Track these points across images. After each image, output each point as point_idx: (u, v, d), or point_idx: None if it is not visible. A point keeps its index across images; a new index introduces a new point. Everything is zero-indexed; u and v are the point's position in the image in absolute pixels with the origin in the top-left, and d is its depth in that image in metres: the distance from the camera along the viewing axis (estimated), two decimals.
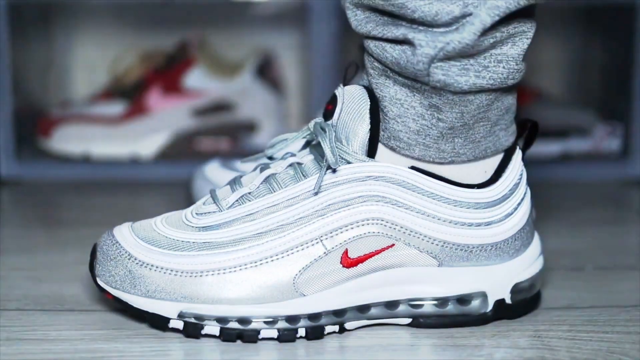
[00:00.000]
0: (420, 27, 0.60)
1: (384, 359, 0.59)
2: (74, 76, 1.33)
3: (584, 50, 1.34)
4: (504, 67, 0.61)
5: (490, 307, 0.64)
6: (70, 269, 0.76)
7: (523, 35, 0.62)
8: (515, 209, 0.64)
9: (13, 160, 1.13)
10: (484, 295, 0.64)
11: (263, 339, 0.61)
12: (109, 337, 0.61)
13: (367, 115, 0.62)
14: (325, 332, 0.62)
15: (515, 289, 0.65)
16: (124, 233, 0.63)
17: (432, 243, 0.62)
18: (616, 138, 1.20)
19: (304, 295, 0.61)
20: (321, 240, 0.61)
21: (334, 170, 0.62)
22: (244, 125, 1.19)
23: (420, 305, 0.63)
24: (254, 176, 0.65)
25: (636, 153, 1.16)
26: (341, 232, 0.61)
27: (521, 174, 0.65)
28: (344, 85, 0.64)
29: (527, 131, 0.66)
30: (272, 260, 0.61)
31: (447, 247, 0.63)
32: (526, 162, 0.68)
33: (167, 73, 1.20)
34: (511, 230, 0.64)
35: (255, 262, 0.61)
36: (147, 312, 0.61)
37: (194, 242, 0.62)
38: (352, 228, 0.61)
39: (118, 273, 0.61)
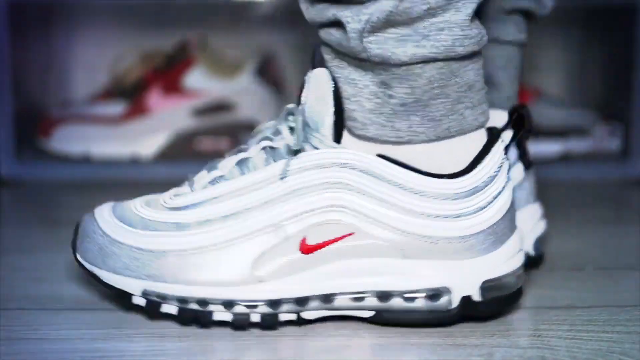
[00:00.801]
0: (346, 5, 0.60)
1: (384, 358, 0.59)
2: (74, 76, 1.33)
3: (584, 50, 1.34)
4: (447, 35, 0.59)
5: (455, 303, 0.62)
6: (70, 269, 0.76)
7: (465, 0, 0.60)
8: (490, 202, 0.62)
9: (13, 160, 1.13)
10: (448, 291, 0.61)
11: (218, 322, 0.61)
12: (108, 336, 0.61)
13: (331, 98, 0.62)
14: (281, 320, 0.62)
15: (486, 286, 0.62)
16: (103, 212, 0.66)
17: (396, 233, 0.61)
18: (616, 138, 1.20)
19: (263, 281, 0.61)
20: (282, 226, 0.61)
21: (298, 155, 0.61)
22: (244, 125, 1.19)
23: (387, 299, 0.62)
24: (230, 160, 0.65)
25: (636, 153, 1.16)
26: (302, 219, 0.61)
27: (500, 166, 0.62)
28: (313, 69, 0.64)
29: (513, 118, 0.64)
30: (232, 244, 0.61)
31: (411, 238, 0.61)
32: (522, 157, 0.69)
33: (167, 73, 1.20)
34: (483, 225, 0.61)
35: (217, 245, 0.61)
36: (113, 288, 0.63)
37: (163, 223, 0.63)
38: (313, 215, 0.61)
39: (91, 249, 0.64)
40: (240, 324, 0.61)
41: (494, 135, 0.63)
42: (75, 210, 1.00)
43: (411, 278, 0.61)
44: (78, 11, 1.32)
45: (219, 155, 0.69)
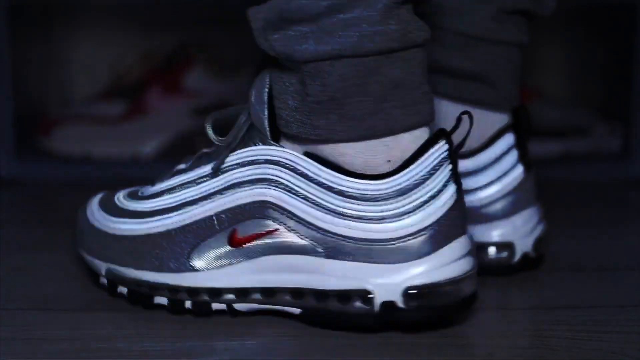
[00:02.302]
0: (253, 5, 0.61)
1: (384, 358, 0.59)
2: (74, 76, 1.33)
3: (584, 50, 1.34)
4: (353, 31, 0.58)
5: (377, 308, 0.60)
6: (70, 269, 0.76)
7: None
8: (419, 206, 0.59)
9: (13, 160, 1.13)
10: (367, 294, 0.60)
11: (157, 305, 0.65)
12: (109, 337, 0.61)
13: (265, 97, 0.63)
14: (214, 309, 0.64)
15: (410, 294, 0.59)
16: (93, 200, 0.71)
17: (319, 232, 0.61)
18: (616, 138, 1.20)
19: (197, 270, 0.63)
20: (215, 219, 0.63)
21: (235, 151, 0.64)
22: None
23: (301, 297, 0.62)
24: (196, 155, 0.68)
25: (636, 153, 1.16)
26: (234, 212, 0.63)
27: (435, 170, 0.60)
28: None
29: (458, 123, 0.61)
30: (172, 234, 0.64)
31: (334, 238, 0.60)
32: (523, 158, 0.69)
33: (167, 73, 1.20)
34: (409, 229, 0.59)
35: (160, 234, 0.65)
36: (88, 267, 0.69)
37: (128, 211, 0.67)
38: (243, 209, 0.63)
39: (78, 231, 0.70)
40: (176, 309, 0.64)
41: (433, 136, 0.61)
42: (75, 211, 1.00)
43: (331, 278, 0.61)
44: (78, 11, 1.32)
45: None
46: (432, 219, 0.60)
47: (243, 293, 0.63)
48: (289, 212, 0.61)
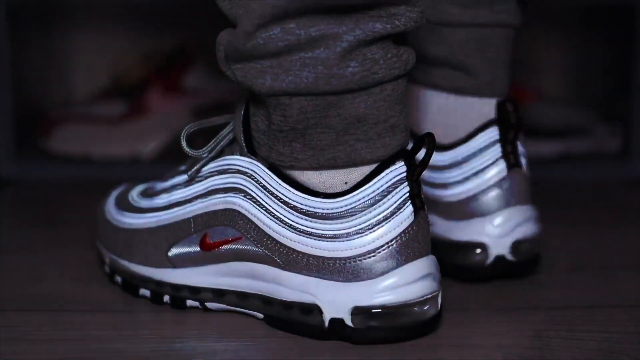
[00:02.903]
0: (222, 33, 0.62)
1: (384, 358, 0.59)
2: (74, 76, 1.33)
3: (584, 50, 1.34)
4: (309, 72, 0.58)
5: (326, 323, 0.60)
6: (70, 268, 0.76)
7: (337, 39, 0.57)
8: (371, 227, 0.59)
9: (13, 160, 1.13)
10: (318, 309, 0.60)
11: (142, 296, 0.68)
12: (109, 337, 0.61)
13: (242, 115, 0.64)
14: (188, 306, 0.67)
15: (358, 313, 0.59)
16: (114, 191, 0.75)
17: (276, 244, 0.62)
18: (616, 138, 1.20)
19: (175, 267, 0.67)
20: (192, 221, 0.66)
21: (214, 160, 0.66)
22: None
23: (270, 304, 0.63)
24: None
25: (636, 153, 1.16)
26: (208, 217, 0.65)
27: (389, 191, 0.60)
28: None
29: (418, 143, 0.61)
30: (158, 231, 0.67)
31: (288, 251, 0.61)
32: (505, 155, 0.69)
33: (167, 73, 1.20)
34: (359, 249, 0.59)
35: (148, 230, 0.68)
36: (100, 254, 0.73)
37: (133, 206, 0.71)
38: (216, 214, 0.65)
39: (97, 218, 0.74)
40: (155, 301, 0.68)
41: (390, 158, 0.60)
42: (75, 210, 1.00)
43: (288, 289, 0.62)
44: (78, 11, 1.32)
45: None
46: (383, 240, 0.60)
47: (219, 294, 0.65)
48: (252, 222, 0.63)
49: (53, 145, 1.17)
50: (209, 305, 0.66)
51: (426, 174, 0.72)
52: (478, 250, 0.71)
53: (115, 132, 1.17)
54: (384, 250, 0.59)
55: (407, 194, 0.60)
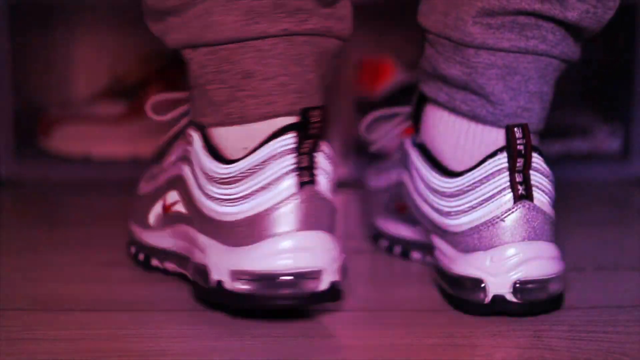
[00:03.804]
0: None
1: (384, 358, 0.59)
2: (74, 76, 1.33)
3: (584, 50, 1.34)
4: (199, 22, 0.62)
5: (211, 284, 0.62)
6: (70, 269, 0.76)
7: None
8: (249, 195, 0.61)
9: (13, 160, 1.13)
10: (208, 271, 0.62)
11: (138, 261, 0.75)
12: (109, 337, 0.61)
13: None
14: (151, 265, 0.73)
15: (235, 277, 0.61)
16: None
17: (195, 209, 0.65)
18: (616, 138, 1.20)
19: (151, 228, 0.73)
20: (163, 186, 0.71)
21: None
22: None
23: (188, 267, 0.67)
24: None
25: (636, 153, 1.16)
26: (168, 182, 0.70)
27: (270, 161, 0.61)
28: None
29: (305, 115, 0.61)
30: (148, 195, 0.74)
31: (197, 214, 0.65)
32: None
33: (167, 73, 1.20)
34: (239, 215, 0.61)
35: (145, 194, 0.75)
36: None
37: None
38: (172, 180, 0.69)
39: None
40: (136, 262, 0.75)
41: (281, 129, 0.61)
42: (75, 210, 1.01)
43: (198, 252, 0.65)
44: (78, 11, 1.32)
45: None
46: (256, 210, 0.61)
47: (167, 255, 0.71)
48: (186, 186, 0.66)
49: (53, 145, 1.17)
50: (166, 265, 0.72)
51: (434, 200, 0.69)
52: (477, 287, 0.65)
53: (116, 132, 1.17)
54: (261, 217, 0.61)
55: (293, 166, 0.61)
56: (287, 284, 0.60)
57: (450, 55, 0.69)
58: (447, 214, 0.68)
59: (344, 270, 0.64)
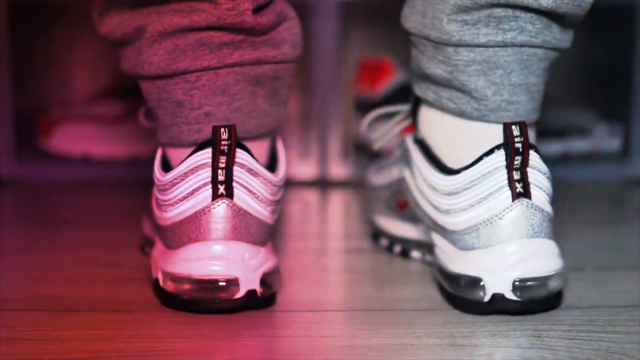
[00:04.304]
0: None
1: (384, 358, 0.59)
2: (74, 76, 1.33)
3: (584, 50, 1.34)
4: (133, 58, 0.68)
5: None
6: (70, 269, 0.76)
7: (145, 30, 0.66)
8: (174, 204, 0.66)
9: (13, 160, 1.13)
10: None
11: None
12: (109, 337, 0.61)
13: None
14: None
15: (165, 278, 0.66)
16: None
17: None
18: (616, 138, 1.20)
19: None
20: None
21: None
22: None
23: None
24: None
25: (636, 153, 1.16)
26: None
27: (189, 174, 0.66)
28: None
29: (214, 134, 0.66)
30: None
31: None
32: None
33: None
34: (169, 220, 0.67)
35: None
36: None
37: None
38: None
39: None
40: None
41: (200, 144, 0.66)
42: (75, 211, 1.01)
43: None
44: (78, 11, 1.32)
45: None
46: (181, 217, 0.65)
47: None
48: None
49: (53, 145, 1.17)
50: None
51: (435, 198, 0.70)
52: (476, 285, 0.65)
53: (116, 132, 1.17)
54: (185, 225, 0.65)
55: (208, 180, 0.65)
56: (209, 289, 0.64)
57: (432, 55, 0.69)
58: (447, 212, 0.68)
59: (270, 277, 0.66)
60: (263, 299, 0.65)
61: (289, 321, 0.64)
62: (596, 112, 1.24)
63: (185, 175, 0.65)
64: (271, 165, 0.70)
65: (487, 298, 0.65)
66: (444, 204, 0.69)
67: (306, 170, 1.13)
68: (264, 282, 0.65)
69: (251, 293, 0.64)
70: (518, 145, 0.65)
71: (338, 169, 1.14)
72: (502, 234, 0.65)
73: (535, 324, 0.64)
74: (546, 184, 0.67)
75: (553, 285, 0.65)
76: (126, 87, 1.21)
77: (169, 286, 0.65)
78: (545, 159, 0.68)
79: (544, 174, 0.67)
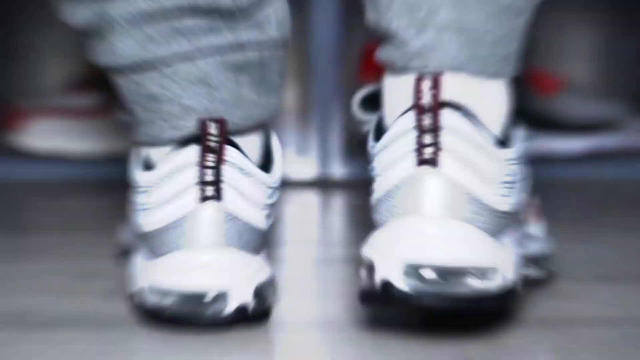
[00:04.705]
0: None
1: (384, 358, 0.60)
2: (44, 64, 1.34)
3: (614, 35, 1.35)
4: (105, 49, 0.69)
5: None
6: (46, 279, 0.76)
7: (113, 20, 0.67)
8: (153, 208, 0.66)
9: None
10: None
11: None
12: (88, 354, 0.62)
13: None
14: None
15: (148, 290, 0.66)
16: None
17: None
18: None
19: None
20: None
21: None
22: None
23: None
24: None
25: None
26: None
27: (174, 173, 0.66)
28: None
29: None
30: None
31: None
32: None
33: None
34: (148, 227, 0.67)
35: None
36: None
37: None
38: None
39: None
40: None
41: (182, 142, 0.66)
42: (48, 214, 1.00)
43: None
44: None
45: None
46: (161, 224, 0.65)
47: None
48: None
49: (22, 141, 1.18)
50: None
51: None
52: (368, 270, 0.59)
53: (91, 127, 1.18)
54: (165, 232, 0.65)
55: (193, 180, 0.64)
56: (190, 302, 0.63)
57: (367, 4, 0.66)
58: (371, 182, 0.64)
59: (264, 289, 0.65)
60: (256, 314, 0.65)
61: (285, 339, 0.64)
62: (628, 104, 1.25)
63: (168, 175, 0.65)
64: (265, 164, 0.70)
65: (378, 286, 0.58)
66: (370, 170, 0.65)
67: (305, 169, 1.14)
68: (257, 294, 0.65)
69: (243, 307, 0.64)
70: (425, 102, 0.60)
71: (340, 168, 1.14)
72: (398, 210, 0.60)
73: (557, 341, 0.64)
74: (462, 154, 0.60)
75: (472, 283, 0.58)
76: (103, 77, 1.22)
77: (151, 299, 0.65)
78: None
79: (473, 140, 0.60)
